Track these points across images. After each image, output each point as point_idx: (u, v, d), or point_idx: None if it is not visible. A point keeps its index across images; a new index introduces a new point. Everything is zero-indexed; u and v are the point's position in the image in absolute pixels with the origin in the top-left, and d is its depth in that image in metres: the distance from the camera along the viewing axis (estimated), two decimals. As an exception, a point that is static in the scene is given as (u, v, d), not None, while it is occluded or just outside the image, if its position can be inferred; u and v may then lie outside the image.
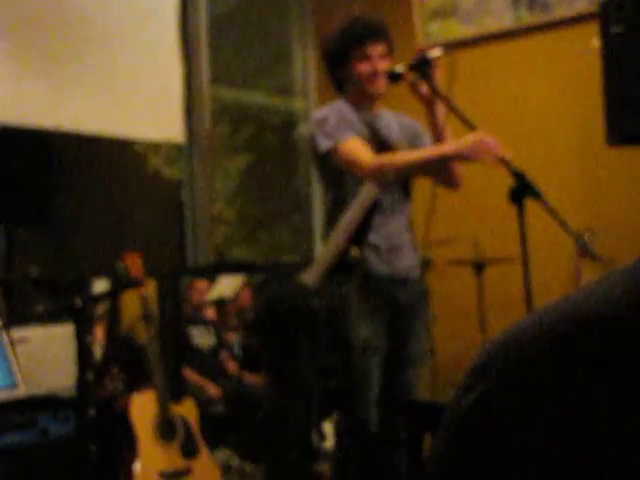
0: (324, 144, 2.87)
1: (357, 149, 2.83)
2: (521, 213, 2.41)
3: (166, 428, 3.25)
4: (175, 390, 3.46)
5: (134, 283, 3.28)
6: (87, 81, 3.96)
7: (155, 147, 4.69)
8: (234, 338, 4.93)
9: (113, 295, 3.74)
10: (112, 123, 4.06)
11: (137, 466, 3.14)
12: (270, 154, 5.44)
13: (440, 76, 2.76)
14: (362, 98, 2.98)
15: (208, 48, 4.60)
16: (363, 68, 2.93)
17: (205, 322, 4.80)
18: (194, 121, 4.50)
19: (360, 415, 2.84)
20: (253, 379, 4.60)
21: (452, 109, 2.64)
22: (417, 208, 3.12)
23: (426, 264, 4.13)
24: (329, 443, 3.61)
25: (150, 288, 3.42)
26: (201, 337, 4.69)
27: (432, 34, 4.55)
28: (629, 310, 0.48)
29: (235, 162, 5.29)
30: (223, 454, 3.89)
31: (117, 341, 3.89)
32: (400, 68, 2.79)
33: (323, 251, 2.47)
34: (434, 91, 2.71)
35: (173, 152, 4.76)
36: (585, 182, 4.18)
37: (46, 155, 3.84)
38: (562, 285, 3.78)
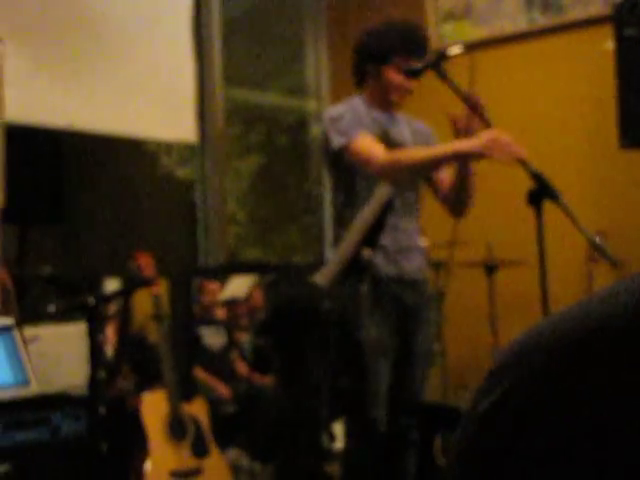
0: (337, 141, 2.86)
1: (371, 146, 2.82)
2: (539, 215, 2.40)
3: (177, 427, 3.26)
4: (186, 390, 3.47)
5: (146, 283, 3.29)
6: (100, 81, 3.97)
7: (168, 147, 4.70)
8: (245, 338, 4.94)
9: (125, 294, 3.75)
10: (125, 123, 4.07)
11: (148, 465, 3.15)
12: (282, 155, 5.45)
13: (460, 75, 2.76)
14: (381, 101, 2.98)
15: (221, 49, 4.61)
16: (397, 79, 2.92)
17: (216, 322, 4.80)
18: (207, 121, 4.51)
19: (369, 415, 2.84)
20: (263, 380, 4.61)
21: (472, 107, 2.63)
22: (429, 210, 3.12)
23: (438, 266, 4.13)
24: (339, 444, 3.61)
25: (162, 288, 3.43)
26: (212, 337, 4.70)
27: (445, 36, 4.54)
28: (637, 317, 0.48)
29: (247, 163, 5.30)
30: (233, 454, 3.90)
31: (128, 340, 3.90)
32: (418, 65, 2.79)
33: (336, 252, 2.47)
34: (452, 88, 2.69)
35: (185, 152, 4.77)
36: (597, 185, 4.17)
37: (59, 155, 3.85)
38: (574, 288, 3.77)
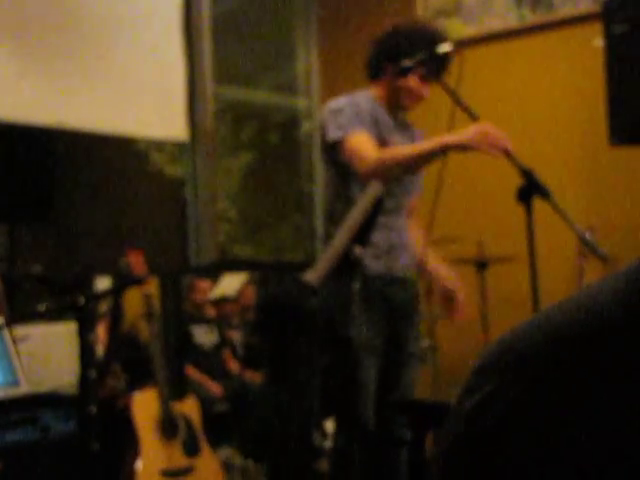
0: (334, 134, 2.85)
1: (364, 143, 2.81)
2: (529, 212, 2.40)
3: (168, 426, 3.25)
4: (177, 388, 3.46)
5: (137, 281, 3.28)
6: (90, 79, 3.96)
7: (158, 145, 4.69)
8: (237, 336, 4.94)
9: (116, 293, 3.74)
10: (115, 121, 4.06)
11: (139, 464, 3.14)
12: (273, 152, 5.44)
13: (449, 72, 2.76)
14: (392, 101, 2.96)
15: (211, 46, 4.60)
16: (415, 84, 2.90)
17: (207, 320, 4.80)
18: (197, 119, 4.50)
19: (358, 414, 2.84)
20: (255, 377, 4.60)
21: (460, 104, 2.63)
22: (420, 206, 3.13)
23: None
24: (331, 441, 3.61)
25: (153, 286, 3.42)
26: (203, 335, 4.69)
27: (435, 33, 4.54)
28: (624, 314, 0.48)
29: (238, 160, 5.29)
30: (225, 452, 3.89)
31: (119, 339, 3.89)
32: (409, 62, 2.78)
33: (327, 250, 2.47)
34: (442, 86, 2.70)
35: (176, 150, 4.76)
36: (587, 182, 4.18)
37: (49, 153, 3.84)
38: (564, 284, 3.78)
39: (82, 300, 2.87)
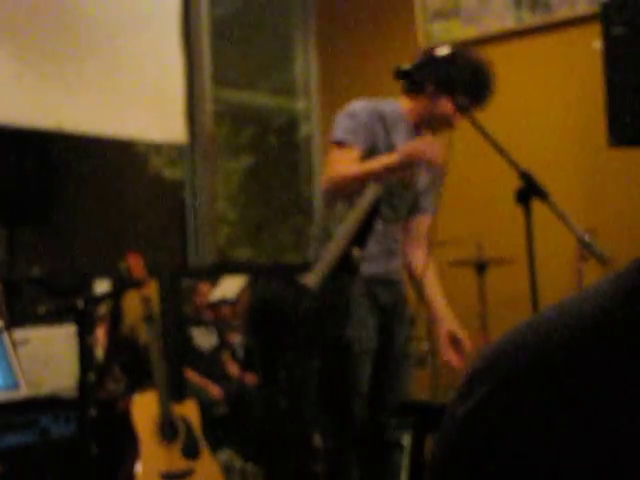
0: (335, 134, 2.88)
1: (340, 162, 2.83)
2: (528, 214, 2.40)
3: (168, 429, 3.25)
4: (177, 391, 3.46)
5: (136, 284, 3.28)
6: (89, 82, 3.96)
7: (157, 148, 4.69)
8: (236, 339, 4.94)
9: (115, 296, 3.74)
10: (114, 124, 4.06)
11: (138, 467, 3.14)
12: (272, 155, 5.44)
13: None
14: (420, 119, 2.93)
15: (210, 49, 4.60)
16: (450, 113, 2.87)
17: (207, 323, 4.80)
18: (196, 122, 4.50)
19: (352, 415, 2.85)
20: (254, 380, 4.60)
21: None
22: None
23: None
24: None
25: (152, 289, 3.42)
26: (203, 338, 4.69)
27: (434, 35, 4.55)
28: (618, 315, 0.49)
29: (237, 163, 5.29)
30: (225, 455, 3.89)
31: (119, 342, 3.89)
32: (407, 66, 2.78)
33: (325, 252, 2.47)
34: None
35: (175, 153, 4.76)
36: (586, 183, 4.18)
37: (48, 156, 3.84)
38: (564, 286, 3.78)
39: (81, 303, 2.87)
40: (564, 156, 4.23)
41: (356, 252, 2.30)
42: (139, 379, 3.62)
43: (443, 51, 2.90)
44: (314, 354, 3.01)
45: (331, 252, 2.36)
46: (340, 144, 2.85)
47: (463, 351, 2.93)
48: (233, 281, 4.91)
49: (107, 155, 4.36)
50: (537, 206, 2.46)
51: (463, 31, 4.48)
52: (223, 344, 4.79)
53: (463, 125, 2.74)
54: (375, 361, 2.92)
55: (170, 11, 4.35)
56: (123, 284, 3.39)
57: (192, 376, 4.40)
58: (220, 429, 4.09)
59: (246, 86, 5.20)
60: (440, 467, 0.53)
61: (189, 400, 3.43)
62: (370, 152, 2.86)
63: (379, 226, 2.80)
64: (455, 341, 2.94)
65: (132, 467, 3.14)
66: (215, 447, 3.56)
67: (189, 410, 3.37)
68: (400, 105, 2.96)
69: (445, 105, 2.86)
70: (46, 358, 3.18)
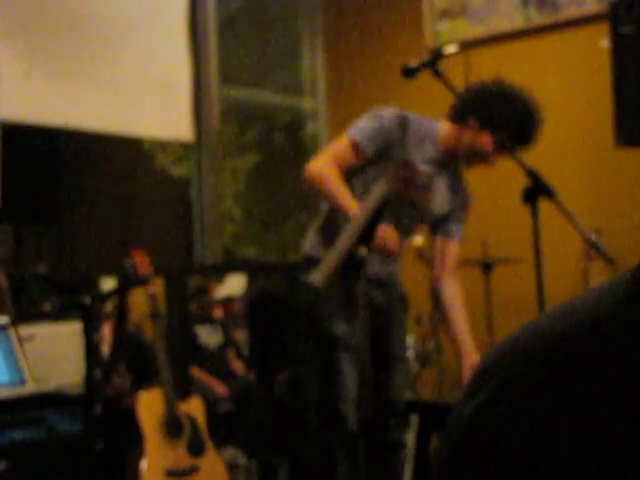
0: (353, 130, 2.85)
1: (336, 155, 2.82)
2: (534, 213, 2.40)
3: (173, 426, 3.26)
4: (182, 388, 3.47)
5: (142, 281, 3.29)
6: (96, 79, 3.97)
7: (163, 146, 4.70)
8: (241, 336, 4.94)
9: (121, 293, 3.75)
10: (121, 121, 4.07)
11: (143, 464, 3.15)
12: (278, 153, 5.44)
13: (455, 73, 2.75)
14: (456, 147, 2.89)
15: (217, 47, 4.61)
16: (489, 150, 2.83)
17: (212, 321, 4.80)
18: (202, 120, 4.51)
19: (339, 412, 2.86)
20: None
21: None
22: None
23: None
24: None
25: (158, 286, 3.43)
26: (208, 336, 4.70)
27: (441, 34, 4.54)
28: (621, 316, 0.49)
29: (243, 161, 5.29)
30: (230, 452, 3.89)
31: (124, 339, 3.89)
32: (414, 64, 2.77)
33: (330, 250, 2.47)
34: (448, 87, 2.68)
35: (181, 151, 4.76)
36: (593, 183, 4.17)
37: (54, 153, 3.85)
38: (570, 286, 3.77)
39: (87, 300, 2.88)
40: (571, 155, 4.23)
41: (362, 250, 2.30)
42: (144, 376, 3.62)
43: (491, 87, 2.83)
44: (310, 350, 3.01)
45: (337, 250, 2.36)
46: (351, 141, 2.84)
47: None
48: (238, 278, 4.91)
49: (114, 153, 4.36)
50: (543, 205, 2.45)
51: (470, 30, 4.47)
52: (228, 342, 4.80)
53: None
54: (365, 360, 2.92)
55: (177, 9, 4.36)
56: (129, 281, 3.39)
57: (197, 374, 4.41)
58: (225, 426, 4.09)
59: (253, 84, 5.21)
60: (447, 465, 0.53)
61: (194, 397, 3.43)
62: (380, 155, 2.85)
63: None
64: None
65: (137, 464, 3.15)
66: (220, 444, 3.57)
67: (194, 407, 3.38)
68: (439, 127, 2.91)
69: (486, 142, 2.81)
70: (52, 355, 3.19)
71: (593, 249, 2.75)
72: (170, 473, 3.19)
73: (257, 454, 3.92)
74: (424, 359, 3.97)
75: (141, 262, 3.31)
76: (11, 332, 2.91)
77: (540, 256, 2.40)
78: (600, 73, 3.54)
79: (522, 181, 2.45)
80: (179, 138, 4.43)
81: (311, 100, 5.20)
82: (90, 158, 4.23)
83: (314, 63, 5.15)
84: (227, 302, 4.89)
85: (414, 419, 3.16)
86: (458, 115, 2.87)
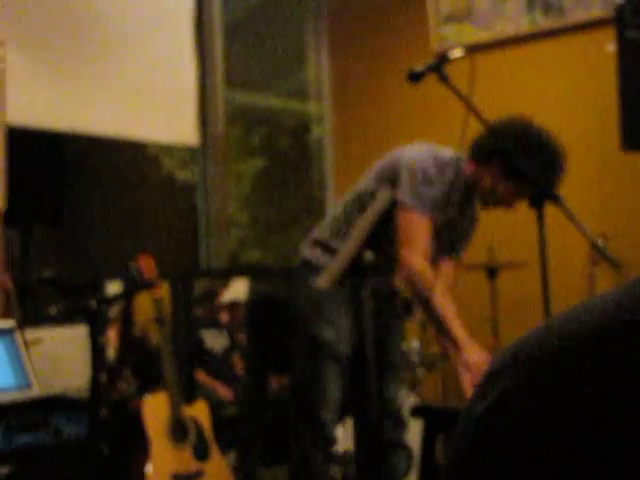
0: (404, 196, 2.74)
1: (424, 240, 2.71)
2: (540, 218, 2.40)
3: (178, 430, 3.26)
4: (187, 392, 3.47)
5: (147, 285, 3.29)
6: (102, 84, 3.98)
7: (169, 150, 4.70)
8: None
9: (126, 297, 3.75)
10: (126, 125, 4.08)
11: (149, 468, 3.15)
12: (284, 157, 5.45)
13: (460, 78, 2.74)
14: (474, 186, 2.85)
15: (222, 51, 4.61)
16: (508, 197, 2.78)
17: (218, 325, 4.81)
18: (208, 124, 4.51)
19: (319, 418, 2.86)
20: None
21: (472, 110, 2.63)
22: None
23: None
24: (341, 447, 3.61)
25: (163, 290, 3.43)
26: (214, 340, 4.70)
27: (447, 38, 4.54)
28: (625, 325, 0.49)
29: (249, 165, 5.30)
30: (235, 457, 3.89)
31: (130, 343, 3.90)
32: (420, 68, 2.77)
33: (337, 255, 2.47)
34: (453, 91, 2.68)
35: (187, 155, 4.77)
36: (599, 187, 4.17)
37: (60, 157, 3.86)
38: (576, 291, 3.77)
39: (93, 304, 2.88)
40: (577, 160, 4.21)
41: (368, 255, 2.30)
42: (150, 380, 3.63)
43: (518, 131, 2.74)
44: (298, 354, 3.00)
45: (343, 254, 2.36)
46: (429, 219, 2.75)
47: None
48: (243, 283, 4.92)
49: (119, 157, 4.37)
50: (549, 210, 2.45)
51: (476, 34, 4.48)
52: (234, 346, 4.80)
53: (475, 126, 2.73)
54: (355, 367, 2.92)
55: (183, 13, 4.36)
56: (135, 285, 3.40)
57: (203, 378, 4.41)
58: (230, 430, 4.09)
59: (258, 88, 5.21)
60: (456, 466, 0.53)
61: (200, 401, 3.44)
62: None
63: (389, 249, 2.77)
64: None
65: (143, 468, 3.15)
66: (225, 448, 3.57)
67: (199, 411, 3.38)
68: (462, 160, 2.85)
69: (509, 189, 2.77)
70: (58, 358, 3.19)
71: (599, 254, 2.74)
72: (175, 477, 3.19)
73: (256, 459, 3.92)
74: (429, 364, 3.97)
75: (146, 266, 3.31)
76: (17, 336, 2.91)
77: (546, 260, 2.40)
78: (606, 77, 3.53)
79: (528, 185, 2.45)
80: (184, 142, 4.43)
81: (317, 104, 5.20)
82: (95, 162, 4.24)
83: (320, 67, 5.15)
84: (233, 306, 4.89)
85: (419, 423, 3.16)
86: (482, 157, 2.80)
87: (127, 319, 3.89)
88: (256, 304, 3.77)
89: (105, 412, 3.09)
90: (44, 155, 3.73)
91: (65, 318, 3.29)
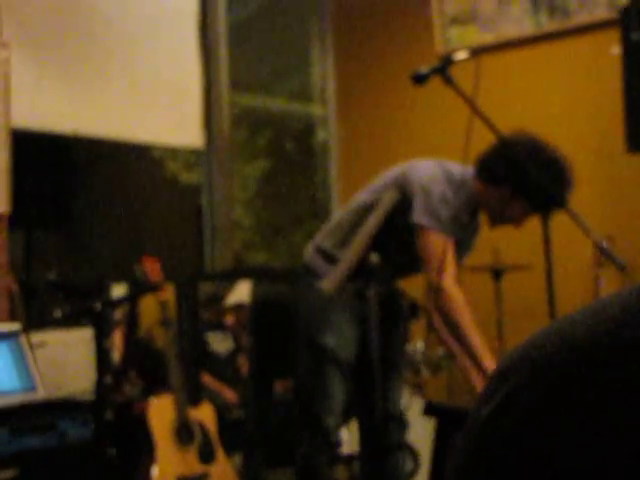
0: (422, 218, 2.69)
1: (452, 262, 2.66)
2: (545, 220, 2.39)
3: (184, 433, 3.26)
4: (193, 395, 3.47)
5: (152, 288, 3.30)
6: (106, 86, 3.98)
7: (174, 152, 4.71)
8: (251, 343, 4.94)
9: (131, 300, 3.76)
10: (131, 128, 4.08)
11: (154, 470, 3.15)
12: (288, 159, 5.45)
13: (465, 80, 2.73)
14: (481, 204, 2.82)
15: (227, 53, 4.62)
16: (519, 216, 2.76)
17: (223, 327, 4.81)
18: (213, 126, 4.52)
19: (323, 424, 2.86)
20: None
21: (477, 112, 2.62)
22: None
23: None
24: (345, 449, 3.60)
25: (168, 293, 3.43)
26: (219, 343, 4.70)
27: (452, 40, 4.54)
28: (632, 328, 0.49)
29: (253, 167, 5.30)
30: (240, 459, 3.89)
31: (135, 345, 3.90)
32: (424, 70, 2.76)
33: (342, 257, 2.47)
34: (458, 93, 2.68)
35: (192, 157, 4.77)
36: (604, 189, 4.16)
37: (65, 160, 3.86)
38: (581, 293, 3.76)
39: (98, 306, 2.88)
40: (582, 162, 4.21)
41: (373, 258, 2.30)
42: (155, 383, 3.63)
43: (526, 151, 2.68)
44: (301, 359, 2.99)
45: (348, 257, 2.36)
46: (452, 241, 2.70)
47: None
48: (248, 285, 4.92)
49: (124, 159, 4.38)
50: (554, 212, 2.45)
51: (480, 37, 4.47)
52: (239, 348, 4.80)
53: (480, 127, 2.72)
54: (357, 370, 2.91)
55: (188, 15, 4.37)
56: (140, 288, 3.40)
57: (208, 380, 4.41)
58: (236, 433, 4.09)
59: (263, 91, 5.22)
60: (462, 467, 0.53)
61: (205, 404, 3.44)
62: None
63: (396, 257, 2.76)
64: None
65: (148, 470, 3.15)
66: (230, 451, 3.57)
67: (205, 414, 3.38)
68: (470, 187, 2.80)
69: (517, 208, 2.75)
70: (63, 361, 3.19)
71: (604, 256, 2.74)
72: (181, 479, 3.20)
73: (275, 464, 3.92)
74: (434, 366, 3.97)
75: (152, 268, 3.31)
76: (22, 339, 2.91)
77: (551, 263, 2.40)
78: (611, 79, 3.53)
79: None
80: (189, 144, 4.44)
81: (321, 107, 5.20)
82: (100, 165, 4.25)
83: (324, 70, 5.16)
84: (238, 309, 4.89)
85: (431, 423, 3.16)
86: (489, 177, 2.76)
87: (132, 322, 3.89)
88: (260, 306, 3.77)
89: (110, 415, 3.09)
90: (48, 158, 3.73)
91: (70, 321, 3.29)
